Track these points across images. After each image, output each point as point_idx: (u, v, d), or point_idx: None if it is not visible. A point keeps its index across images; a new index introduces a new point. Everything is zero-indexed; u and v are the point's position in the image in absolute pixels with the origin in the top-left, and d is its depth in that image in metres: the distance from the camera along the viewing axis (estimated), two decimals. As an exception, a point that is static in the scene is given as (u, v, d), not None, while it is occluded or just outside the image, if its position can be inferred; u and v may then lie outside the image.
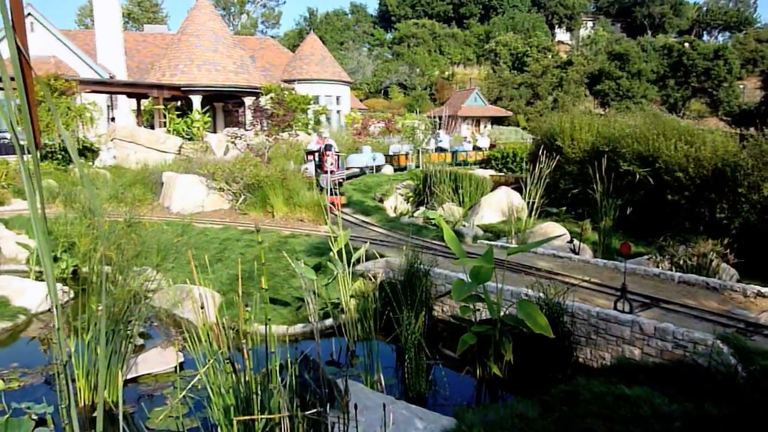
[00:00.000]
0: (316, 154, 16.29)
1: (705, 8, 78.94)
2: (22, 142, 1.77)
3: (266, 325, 3.72)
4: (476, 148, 24.89)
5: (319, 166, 15.54)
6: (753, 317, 6.56)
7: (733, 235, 9.65)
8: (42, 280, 9.26)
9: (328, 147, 15.63)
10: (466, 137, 25.02)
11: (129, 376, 6.49)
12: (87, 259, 7.02)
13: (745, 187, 10.29)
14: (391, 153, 21.58)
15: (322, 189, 14.95)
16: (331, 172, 14.69)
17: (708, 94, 52.82)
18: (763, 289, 7.33)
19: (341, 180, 15.72)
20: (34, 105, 1.77)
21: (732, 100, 52.02)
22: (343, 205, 15.33)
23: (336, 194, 14.22)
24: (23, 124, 1.73)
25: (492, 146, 25.68)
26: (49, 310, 8.64)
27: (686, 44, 54.55)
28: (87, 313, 6.00)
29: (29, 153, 1.79)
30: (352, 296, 7.63)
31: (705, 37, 76.20)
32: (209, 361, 4.11)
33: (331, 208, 12.55)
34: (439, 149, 23.06)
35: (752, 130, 12.15)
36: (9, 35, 1.60)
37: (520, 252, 6.59)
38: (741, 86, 54.98)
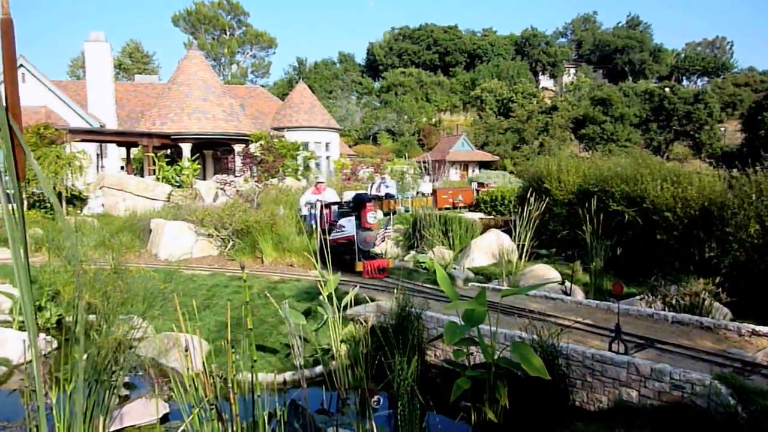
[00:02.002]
0: (318, 207, 13.56)
1: (683, 55, 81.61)
2: (8, 191, 1.73)
3: (252, 370, 3.60)
4: (420, 194, 24.62)
5: (352, 221, 11.98)
6: (749, 356, 6.49)
7: (723, 273, 9.65)
8: (25, 330, 9.02)
9: (375, 196, 13.21)
10: (384, 179, 24.41)
11: (112, 429, 6.25)
12: (72, 308, 6.86)
13: (732, 226, 10.36)
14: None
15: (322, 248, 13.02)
16: (368, 229, 11.76)
17: (690, 136, 53.98)
18: (758, 328, 7.27)
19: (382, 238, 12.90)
20: (19, 151, 1.73)
21: (714, 142, 53.16)
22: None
23: (373, 256, 12.01)
24: (8, 169, 1.69)
25: (433, 192, 25.82)
26: (30, 361, 8.39)
27: (667, 89, 56.04)
28: (70, 363, 5.81)
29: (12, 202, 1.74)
30: (342, 341, 7.49)
31: (684, 82, 78.46)
32: (195, 410, 3.97)
33: (371, 274, 11.07)
34: (388, 195, 21.82)
35: (735, 171, 12.34)
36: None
37: (514, 294, 6.53)
38: (722, 129, 56.29)
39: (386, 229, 12.56)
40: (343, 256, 11.86)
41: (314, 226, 13.42)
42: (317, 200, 13.65)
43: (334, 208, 13.16)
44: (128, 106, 35.44)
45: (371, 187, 21.31)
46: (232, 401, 3.64)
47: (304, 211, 14.16)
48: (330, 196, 14.37)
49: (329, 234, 11.61)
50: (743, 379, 5.60)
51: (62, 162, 18.67)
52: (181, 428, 3.96)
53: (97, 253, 11.95)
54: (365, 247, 11.61)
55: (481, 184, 31.89)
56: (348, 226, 11.26)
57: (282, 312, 7.18)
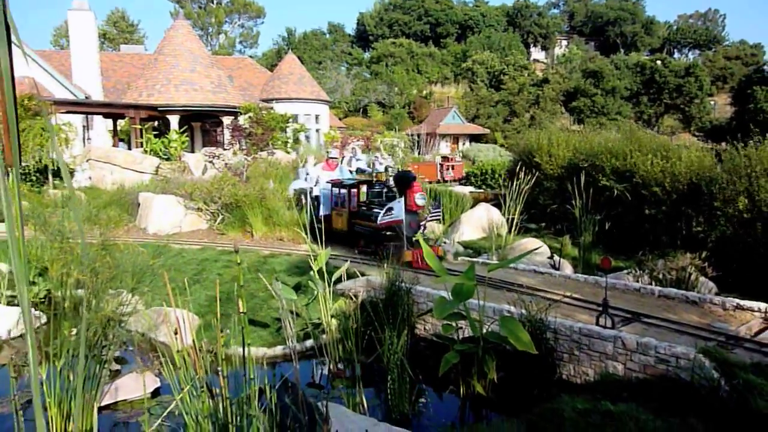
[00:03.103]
0: (337, 189, 12.06)
1: (675, 27, 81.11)
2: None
3: (243, 349, 3.61)
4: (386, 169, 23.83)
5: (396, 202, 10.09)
6: (733, 330, 6.60)
7: (710, 248, 9.76)
8: (13, 305, 8.98)
9: (405, 177, 10.41)
10: (377, 157, 22.79)
11: (104, 403, 6.28)
12: (60, 283, 6.82)
13: (720, 201, 10.44)
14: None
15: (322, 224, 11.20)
16: (414, 212, 10.05)
17: (680, 110, 54.01)
18: (742, 302, 7.39)
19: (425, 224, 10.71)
20: (14, 121, 1.67)
21: (703, 115, 53.24)
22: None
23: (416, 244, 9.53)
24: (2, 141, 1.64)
25: (386, 168, 24.60)
26: (20, 336, 8.37)
27: (658, 62, 55.84)
28: (59, 338, 5.80)
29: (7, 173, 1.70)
30: (333, 316, 7.52)
31: (676, 55, 78.18)
32: (185, 386, 3.98)
33: (416, 263, 9.44)
34: (359, 170, 20.35)
35: (723, 144, 12.37)
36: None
37: (500, 268, 6.57)
38: (712, 102, 56.35)
39: (433, 212, 10.35)
40: (385, 242, 10.49)
41: (331, 208, 12.20)
42: (346, 178, 12.43)
43: (363, 187, 12.02)
44: (114, 77, 34.79)
45: (342, 161, 19.88)
46: (221, 379, 3.66)
47: (316, 191, 12.69)
48: (344, 173, 13.15)
49: (369, 218, 10.66)
50: (727, 352, 5.70)
51: (47, 135, 18.37)
52: (171, 405, 3.98)
53: (84, 228, 11.85)
54: (409, 233, 9.93)
55: (445, 158, 29.41)
56: (397, 209, 9.51)
57: (272, 289, 7.18)
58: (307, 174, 14.74)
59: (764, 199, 9.69)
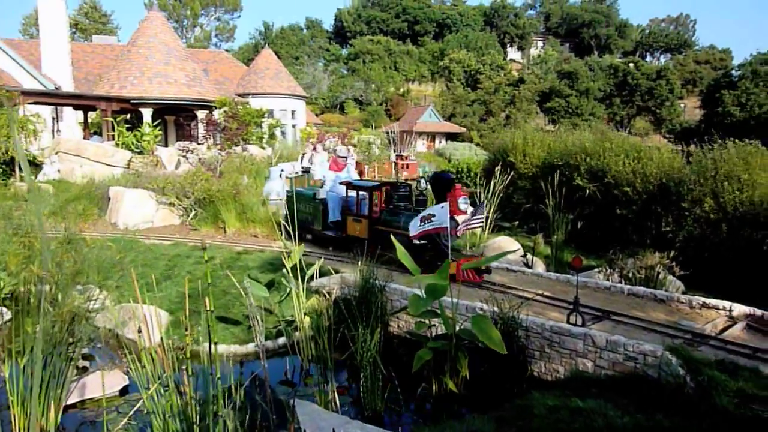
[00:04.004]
0: (347, 189, 10.70)
1: (648, 31, 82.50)
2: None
3: (210, 347, 3.56)
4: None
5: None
6: (699, 328, 6.74)
7: (678, 248, 9.95)
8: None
9: (443, 179, 9.15)
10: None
11: (70, 401, 6.15)
12: (23, 278, 6.65)
13: (688, 202, 10.65)
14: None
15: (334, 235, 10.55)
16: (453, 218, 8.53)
17: (651, 112, 55.03)
18: (708, 300, 7.55)
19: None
20: None
21: (674, 118, 54.32)
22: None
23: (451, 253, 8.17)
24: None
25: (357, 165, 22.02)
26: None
27: (631, 65, 56.77)
28: (22, 335, 5.65)
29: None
30: (306, 313, 7.48)
31: (648, 58, 79.51)
32: (152, 385, 3.91)
33: (461, 276, 7.96)
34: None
35: (692, 146, 12.64)
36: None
37: (473, 267, 6.59)
38: (682, 105, 57.56)
39: (476, 217, 8.63)
40: (423, 253, 8.99)
41: (343, 213, 10.94)
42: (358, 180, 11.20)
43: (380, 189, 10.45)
44: (85, 68, 34.04)
45: (302, 158, 18.91)
46: (186, 380, 3.60)
47: (322, 194, 11.41)
48: (352, 173, 11.92)
49: (393, 225, 9.46)
50: (693, 350, 5.82)
51: (15, 126, 17.90)
52: (138, 404, 3.91)
53: (52, 222, 11.58)
54: (450, 243, 8.71)
55: (400, 156, 27.06)
56: (440, 215, 8.03)
57: (241, 287, 7.09)
58: (282, 171, 14.58)
59: (729, 201, 9.92)
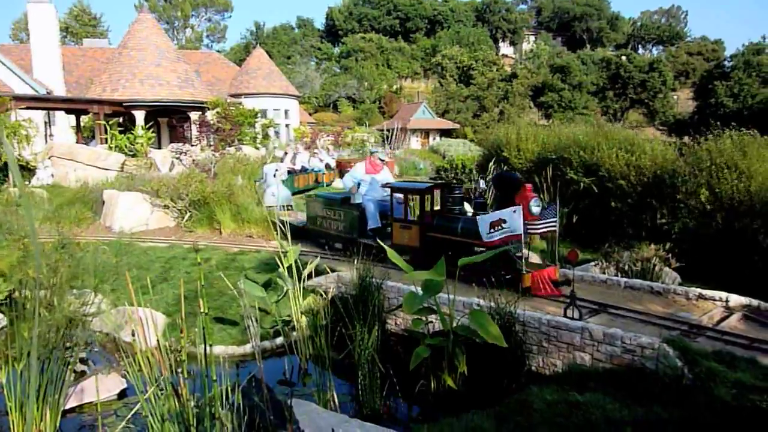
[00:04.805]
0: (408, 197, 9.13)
1: (639, 23, 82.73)
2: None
3: (205, 348, 3.55)
4: (327, 166, 20.59)
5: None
6: (696, 319, 6.75)
7: (673, 239, 9.99)
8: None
9: (511, 180, 8.21)
10: (316, 153, 20.40)
11: (68, 406, 6.12)
12: (20, 283, 6.62)
13: (683, 194, 10.68)
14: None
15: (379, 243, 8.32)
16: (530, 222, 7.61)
17: (645, 104, 55.17)
18: (704, 292, 7.57)
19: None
20: None
21: (667, 110, 54.50)
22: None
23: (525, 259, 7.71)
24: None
25: (338, 165, 21.71)
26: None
27: (623, 57, 56.90)
28: (18, 340, 5.62)
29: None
30: (303, 313, 7.47)
31: (640, 51, 79.75)
32: (150, 387, 3.90)
33: (540, 289, 7.49)
34: (303, 169, 18.62)
35: (686, 138, 12.67)
36: None
37: (470, 262, 6.58)
38: (675, 97, 57.74)
39: (547, 221, 7.69)
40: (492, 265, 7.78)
41: (386, 219, 9.93)
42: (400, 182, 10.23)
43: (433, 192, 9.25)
44: (77, 72, 33.88)
45: (285, 158, 18.51)
46: (181, 380, 3.59)
47: (357, 198, 10.41)
48: (388, 176, 10.86)
49: (450, 231, 8.40)
50: (690, 341, 5.83)
51: (7, 131, 17.82)
52: (135, 408, 3.89)
53: (46, 227, 11.53)
54: (520, 251, 7.92)
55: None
56: (512, 220, 7.15)
57: (239, 286, 7.07)
58: (276, 170, 14.50)
59: (724, 191, 9.95)
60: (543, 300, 7.53)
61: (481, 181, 9.25)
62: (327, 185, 19.46)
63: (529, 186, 7.84)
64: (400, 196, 9.38)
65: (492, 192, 8.67)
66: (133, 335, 3.87)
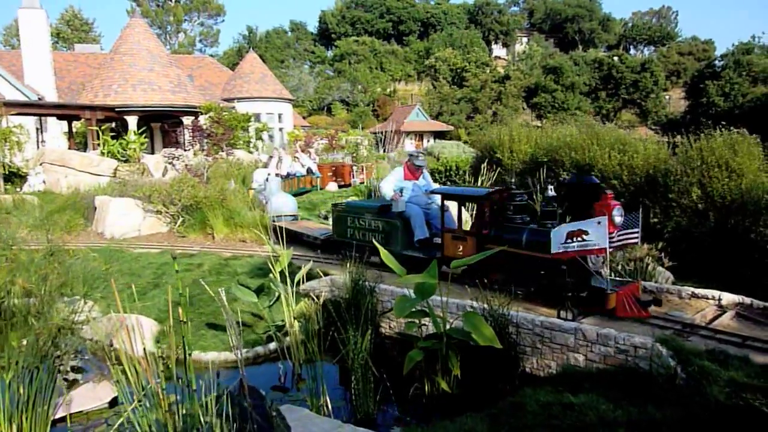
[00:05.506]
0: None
1: (630, 24, 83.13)
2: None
3: (185, 356, 3.50)
4: (308, 171, 19.41)
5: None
6: (689, 318, 6.75)
7: (666, 238, 9.99)
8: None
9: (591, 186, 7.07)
10: (297, 158, 19.49)
11: (59, 415, 6.06)
12: (7, 291, 6.56)
13: (675, 193, 10.70)
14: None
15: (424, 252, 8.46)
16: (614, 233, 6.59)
17: (637, 104, 55.45)
18: (697, 291, 7.58)
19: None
20: None
21: (659, 110, 54.79)
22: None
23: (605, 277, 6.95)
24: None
25: (319, 169, 20.42)
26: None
27: (615, 58, 57.15)
28: (7, 350, 5.56)
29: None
30: (295, 318, 7.43)
31: (631, 51, 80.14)
32: (137, 396, 3.85)
33: (626, 310, 6.59)
34: (289, 175, 17.90)
35: (678, 137, 12.72)
36: None
37: (463, 265, 6.57)
38: (666, 97, 58.04)
39: (629, 231, 6.89)
40: (561, 279, 6.89)
41: (432, 229, 9.06)
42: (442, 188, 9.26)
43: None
44: (69, 77, 33.80)
45: (270, 163, 17.87)
46: (160, 393, 3.54)
47: (400, 206, 9.16)
48: (430, 181, 10.04)
49: (513, 242, 7.33)
50: (683, 340, 5.83)
51: (-2, 137, 17.76)
52: (123, 417, 3.85)
53: (35, 234, 11.45)
54: (599, 267, 7.17)
55: (354, 158, 23.77)
56: (595, 232, 6.35)
57: (232, 291, 7.02)
58: (268, 176, 14.40)
59: (716, 190, 9.97)
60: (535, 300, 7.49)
61: (549, 187, 7.95)
62: (308, 191, 18.56)
63: (610, 193, 6.99)
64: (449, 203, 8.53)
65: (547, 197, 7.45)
66: (111, 345, 3.82)
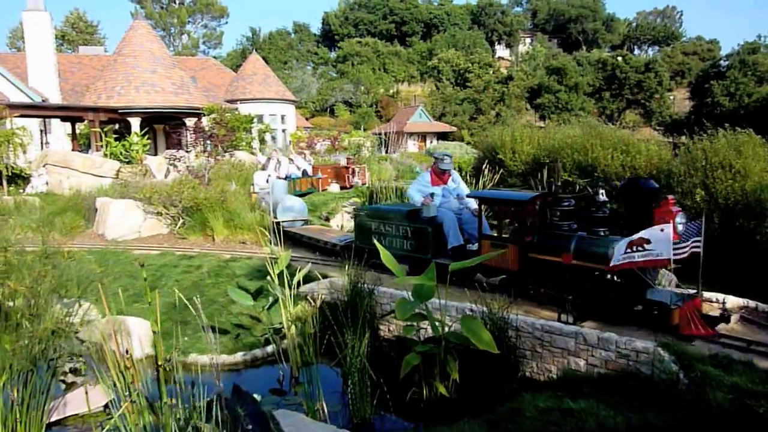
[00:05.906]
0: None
1: (634, 24, 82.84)
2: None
3: (173, 360, 3.43)
4: (303, 173, 18.89)
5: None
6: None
7: (669, 240, 9.86)
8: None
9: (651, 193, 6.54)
10: (292, 160, 19.12)
11: (54, 418, 6.01)
12: (3, 295, 6.51)
13: (678, 194, 10.58)
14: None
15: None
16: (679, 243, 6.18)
17: (641, 105, 55.18)
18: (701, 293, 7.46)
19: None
20: None
21: (663, 110, 54.49)
22: None
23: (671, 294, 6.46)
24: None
25: (314, 170, 19.77)
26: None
27: (619, 58, 56.91)
28: (1, 353, 5.51)
29: None
30: (291, 321, 7.36)
31: (635, 51, 79.85)
32: (134, 398, 3.79)
33: (692, 328, 6.06)
34: (287, 177, 17.38)
35: (683, 138, 12.60)
36: None
37: (463, 267, 6.48)
38: (671, 97, 57.74)
39: (691, 241, 6.38)
40: (611, 293, 6.61)
41: (467, 236, 8.53)
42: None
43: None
44: (72, 79, 33.84)
45: (268, 165, 17.51)
46: (158, 391, 3.48)
47: (432, 211, 8.54)
48: (461, 185, 9.37)
49: (558, 251, 6.82)
50: (685, 345, 5.73)
51: (1, 139, 17.76)
52: (113, 419, 3.79)
53: (37, 235, 11.42)
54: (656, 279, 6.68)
55: (349, 159, 23.12)
56: (658, 241, 5.85)
57: (191, 306, 6.89)
58: (269, 176, 14.33)
59: (720, 191, 9.85)
60: (535, 304, 7.40)
61: (601, 191, 7.24)
62: (311, 192, 18.06)
63: (671, 198, 6.46)
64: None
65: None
66: (117, 345, 3.78)
